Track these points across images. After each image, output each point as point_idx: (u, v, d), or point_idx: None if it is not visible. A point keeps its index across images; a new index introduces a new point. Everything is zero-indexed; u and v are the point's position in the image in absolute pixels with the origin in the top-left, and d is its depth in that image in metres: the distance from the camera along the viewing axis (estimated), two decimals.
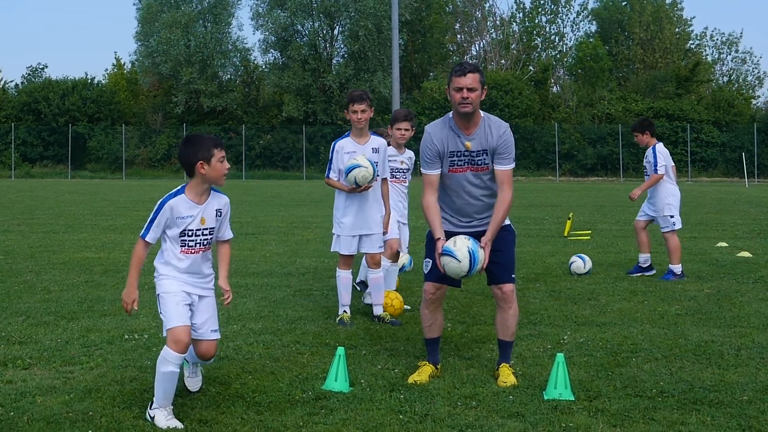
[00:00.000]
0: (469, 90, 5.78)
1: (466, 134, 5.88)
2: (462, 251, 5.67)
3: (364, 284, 9.24)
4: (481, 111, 5.94)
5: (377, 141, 7.96)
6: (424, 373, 5.94)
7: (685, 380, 5.87)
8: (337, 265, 8.10)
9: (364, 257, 8.64)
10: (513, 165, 5.97)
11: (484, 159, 5.89)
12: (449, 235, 5.99)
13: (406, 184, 9.23)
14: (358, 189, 7.75)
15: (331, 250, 8.15)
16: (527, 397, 5.48)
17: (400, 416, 5.09)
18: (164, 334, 5.06)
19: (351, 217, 7.87)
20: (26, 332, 7.34)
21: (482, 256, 5.71)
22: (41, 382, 5.80)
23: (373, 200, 7.93)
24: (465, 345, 7.02)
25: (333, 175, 7.93)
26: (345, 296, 7.98)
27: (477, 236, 5.98)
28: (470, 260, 5.66)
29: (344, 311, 7.95)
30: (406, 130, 8.89)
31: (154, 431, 4.79)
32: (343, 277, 8.00)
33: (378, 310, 8.05)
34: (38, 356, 6.50)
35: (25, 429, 4.81)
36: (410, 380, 5.84)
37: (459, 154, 5.89)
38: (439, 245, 5.78)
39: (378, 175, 7.81)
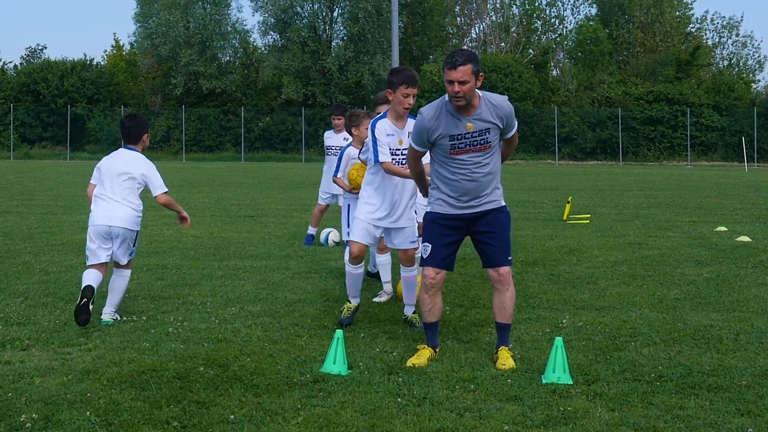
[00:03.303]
0: (461, 83, 5.64)
1: (467, 116, 5.82)
2: None
3: (369, 274, 9.01)
4: (478, 91, 5.82)
5: (412, 124, 6.89)
6: (422, 356, 5.94)
7: (684, 365, 5.87)
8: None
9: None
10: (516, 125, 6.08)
11: (486, 138, 5.83)
12: (450, 218, 5.98)
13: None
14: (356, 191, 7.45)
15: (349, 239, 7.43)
16: (525, 381, 5.48)
17: (399, 399, 5.09)
18: None
19: (383, 202, 7.08)
20: (24, 313, 7.34)
21: None
22: (39, 363, 5.80)
23: (405, 187, 7.12)
24: (463, 328, 7.02)
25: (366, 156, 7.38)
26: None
27: (475, 218, 5.97)
28: None
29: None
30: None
31: (151, 414, 4.78)
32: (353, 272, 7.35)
33: (408, 311, 7.29)
34: (36, 337, 6.50)
35: (23, 410, 4.80)
36: (409, 363, 5.84)
37: (460, 137, 5.81)
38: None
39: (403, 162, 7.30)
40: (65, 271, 9.67)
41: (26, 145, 58.37)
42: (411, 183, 7.01)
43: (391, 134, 6.97)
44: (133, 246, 7.27)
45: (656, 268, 10.21)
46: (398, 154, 6.95)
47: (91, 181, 7.29)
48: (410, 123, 6.96)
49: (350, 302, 7.35)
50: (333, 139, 12.18)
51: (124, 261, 7.20)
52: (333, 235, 12.19)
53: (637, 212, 17.95)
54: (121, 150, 7.30)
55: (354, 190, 8.34)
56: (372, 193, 7.12)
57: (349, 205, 8.78)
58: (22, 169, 38.35)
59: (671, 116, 56.33)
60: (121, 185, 7.08)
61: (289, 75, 59.15)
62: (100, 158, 7.46)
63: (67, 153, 56.89)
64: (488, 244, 5.99)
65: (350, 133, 8.81)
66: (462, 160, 5.86)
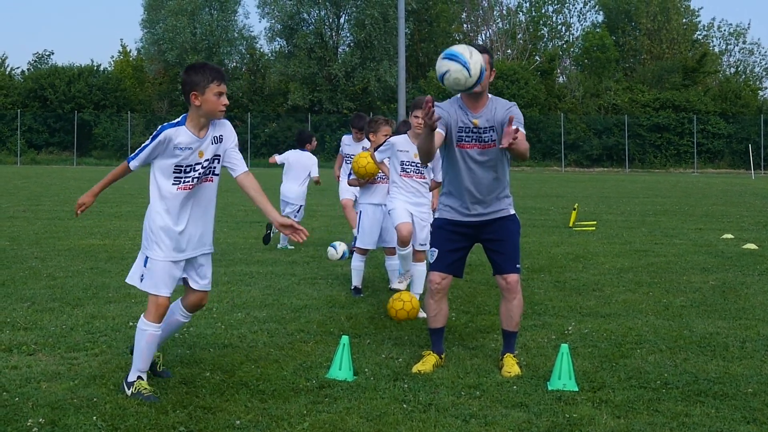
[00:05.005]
0: None
1: (474, 113, 5.91)
2: (476, 67, 5.49)
3: (357, 291, 8.83)
4: (489, 94, 5.97)
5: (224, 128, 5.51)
6: (428, 362, 5.94)
7: (690, 372, 5.86)
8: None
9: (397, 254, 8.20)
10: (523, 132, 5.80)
11: (492, 136, 5.91)
12: (453, 224, 6.01)
13: (426, 180, 7.97)
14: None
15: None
16: (531, 388, 5.48)
17: (404, 405, 5.09)
18: None
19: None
20: (31, 318, 7.35)
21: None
22: (46, 368, 5.81)
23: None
24: (469, 335, 7.02)
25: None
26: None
27: (482, 226, 6.00)
28: (478, 77, 5.53)
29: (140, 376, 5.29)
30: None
31: (157, 419, 4.79)
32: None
33: (132, 376, 5.30)
34: (43, 342, 6.51)
35: (30, 414, 4.82)
36: (414, 369, 5.84)
37: (467, 129, 5.92)
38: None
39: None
40: (72, 276, 9.69)
41: (33, 150, 58.50)
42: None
43: (187, 147, 5.25)
44: (297, 212, 12.52)
45: (662, 275, 10.20)
46: (198, 169, 5.35)
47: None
48: (220, 125, 5.41)
49: (140, 378, 5.25)
50: (352, 147, 12.09)
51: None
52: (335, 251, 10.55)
53: (643, 219, 17.92)
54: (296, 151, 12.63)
55: (364, 177, 8.67)
56: (167, 217, 5.34)
57: (360, 212, 8.83)
58: (28, 175, 38.44)
59: (678, 123, 56.29)
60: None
61: (295, 81, 59.29)
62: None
63: (74, 158, 56.98)
64: (497, 251, 6.02)
65: (368, 139, 8.92)
66: (468, 155, 5.93)
